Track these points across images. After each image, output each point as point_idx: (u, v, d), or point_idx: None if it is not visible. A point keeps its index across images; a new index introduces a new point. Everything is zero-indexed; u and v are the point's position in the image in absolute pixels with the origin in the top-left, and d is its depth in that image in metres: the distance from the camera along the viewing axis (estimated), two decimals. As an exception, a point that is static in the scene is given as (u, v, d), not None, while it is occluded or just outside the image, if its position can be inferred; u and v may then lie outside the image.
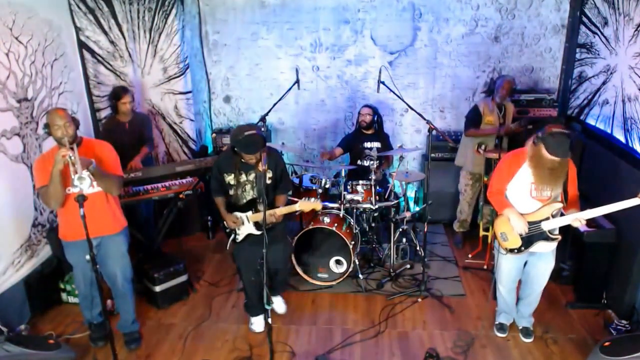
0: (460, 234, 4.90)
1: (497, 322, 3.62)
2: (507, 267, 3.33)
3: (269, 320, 2.85)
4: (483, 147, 4.38)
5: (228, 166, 3.29)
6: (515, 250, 3.19)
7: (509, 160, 3.15)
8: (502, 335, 3.55)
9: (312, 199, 3.27)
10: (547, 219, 3.06)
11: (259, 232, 3.35)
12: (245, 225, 3.40)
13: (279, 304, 3.81)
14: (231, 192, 3.35)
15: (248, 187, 3.31)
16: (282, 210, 3.28)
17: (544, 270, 3.27)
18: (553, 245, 3.18)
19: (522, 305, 3.52)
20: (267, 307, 2.78)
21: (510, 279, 3.39)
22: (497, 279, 3.45)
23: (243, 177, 3.29)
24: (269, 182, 3.30)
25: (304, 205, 3.26)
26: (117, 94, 4.34)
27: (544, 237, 3.09)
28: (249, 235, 3.43)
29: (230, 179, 3.30)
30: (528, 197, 3.09)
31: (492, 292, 3.68)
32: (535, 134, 2.94)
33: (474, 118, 4.41)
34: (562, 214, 3.08)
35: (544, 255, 3.22)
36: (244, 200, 3.37)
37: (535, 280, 3.33)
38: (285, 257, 3.67)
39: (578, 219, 2.93)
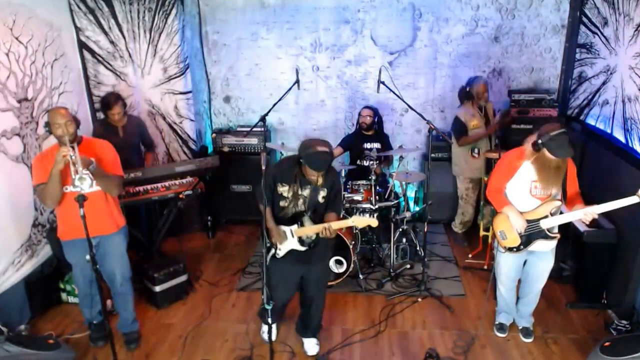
0: (461, 234, 4.90)
1: (497, 322, 3.62)
2: (506, 265, 3.34)
3: (269, 320, 2.85)
4: (477, 150, 4.42)
5: (287, 177, 3.03)
6: (514, 249, 3.20)
7: (509, 159, 3.15)
8: (502, 335, 3.55)
9: (368, 215, 3.06)
10: (546, 217, 3.06)
11: (303, 248, 3.12)
12: (289, 240, 3.12)
13: (311, 346, 3.43)
14: (282, 203, 3.08)
15: (300, 201, 3.07)
16: (336, 224, 3.02)
17: (543, 269, 3.27)
18: (552, 244, 3.18)
19: (522, 304, 3.52)
20: (267, 307, 2.78)
21: (509, 278, 3.39)
22: (497, 278, 3.45)
23: (299, 191, 3.05)
24: (321, 200, 3.10)
25: (358, 220, 3.08)
26: (108, 103, 4.10)
27: (543, 235, 3.09)
28: (290, 252, 3.16)
29: (284, 190, 3.04)
30: (528, 196, 3.10)
31: (492, 291, 3.68)
32: (535, 138, 2.94)
33: (460, 129, 4.44)
34: (561, 212, 3.09)
35: (543, 254, 3.22)
36: (291, 214, 3.12)
37: (534, 279, 3.33)
38: (325, 282, 3.41)
39: (587, 213, 2.90)
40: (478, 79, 4.46)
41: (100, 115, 4.66)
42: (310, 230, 3.05)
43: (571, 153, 2.88)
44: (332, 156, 2.92)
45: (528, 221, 3.09)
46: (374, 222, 3.06)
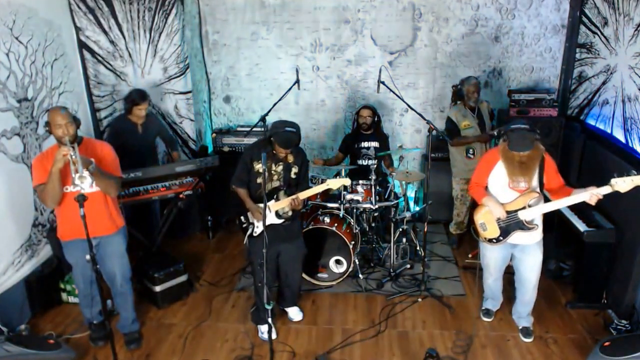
0: (456, 235, 4.90)
1: (483, 308, 3.73)
2: (492, 256, 3.44)
3: (269, 320, 2.85)
4: (472, 151, 4.44)
5: (260, 155, 3.30)
6: (494, 240, 3.29)
7: (487, 156, 3.32)
8: (488, 320, 3.68)
9: (339, 177, 3.37)
10: (524, 208, 3.15)
11: (280, 221, 3.39)
12: (267, 216, 3.35)
13: (295, 313, 3.79)
14: (259, 180, 3.35)
15: (275, 177, 3.40)
16: (305, 193, 3.34)
17: (532, 264, 3.32)
18: (533, 236, 3.24)
19: (519, 305, 3.54)
20: (267, 307, 2.78)
21: (496, 268, 3.49)
22: (485, 269, 3.54)
23: (273, 167, 3.38)
24: (293, 176, 3.45)
25: (333, 182, 3.42)
26: (136, 100, 4.14)
27: (520, 226, 3.18)
28: (267, 228, 3.36)
29: (260, 167, 3.33)
30: (506, 189, 3.21)
31: (479, 284, 3.76)
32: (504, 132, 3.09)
33: (452, 128, 4.44)
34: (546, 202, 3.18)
35: (528, 248, 3.28)
36: (267, 190, 3.38)
37: (525, 276, 3.38)
38: (299, 258, 3.62)
39: (593, 195, 2.93)
40: (469, 78, 4.45)
41: (100, 115, 4.68)
42: (283, 203, 3.33)
43: (526, 149, 2.98)
44: (298, 136, 3.27)
45: (507, 212, 3.18)
46: (346, 181, 3.47)
